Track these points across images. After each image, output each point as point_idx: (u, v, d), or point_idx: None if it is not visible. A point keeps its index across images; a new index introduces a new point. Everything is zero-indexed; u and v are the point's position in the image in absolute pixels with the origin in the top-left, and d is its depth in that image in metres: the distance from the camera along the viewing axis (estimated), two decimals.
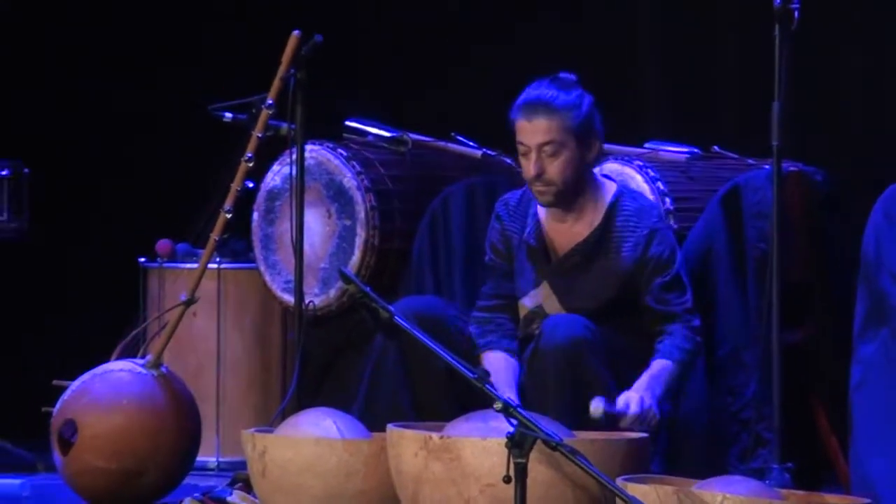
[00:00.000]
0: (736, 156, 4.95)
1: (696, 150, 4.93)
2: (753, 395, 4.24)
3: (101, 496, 4.01)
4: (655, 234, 4.11)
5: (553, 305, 4.17)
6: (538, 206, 4.22)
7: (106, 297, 6.10)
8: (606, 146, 4.45)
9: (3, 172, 5.72)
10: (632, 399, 3.81)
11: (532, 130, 4.04)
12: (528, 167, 4.05)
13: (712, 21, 5.47)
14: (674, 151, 4.91)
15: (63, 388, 4.21)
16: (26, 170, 5.72)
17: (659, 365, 3.99)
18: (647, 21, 5.64)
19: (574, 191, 4.10)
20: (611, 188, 4.22)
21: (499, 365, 4.09)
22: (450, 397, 4.03)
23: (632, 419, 3.76)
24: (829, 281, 4.45)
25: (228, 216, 4.45)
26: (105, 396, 4.08)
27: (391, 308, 3.48)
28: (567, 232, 4.19)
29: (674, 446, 4.28)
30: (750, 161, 4.85)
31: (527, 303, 4.24)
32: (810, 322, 4.40)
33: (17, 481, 4.29)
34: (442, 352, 3.33)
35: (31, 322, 6.24)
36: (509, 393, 3.81)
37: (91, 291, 6.36)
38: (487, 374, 3.29)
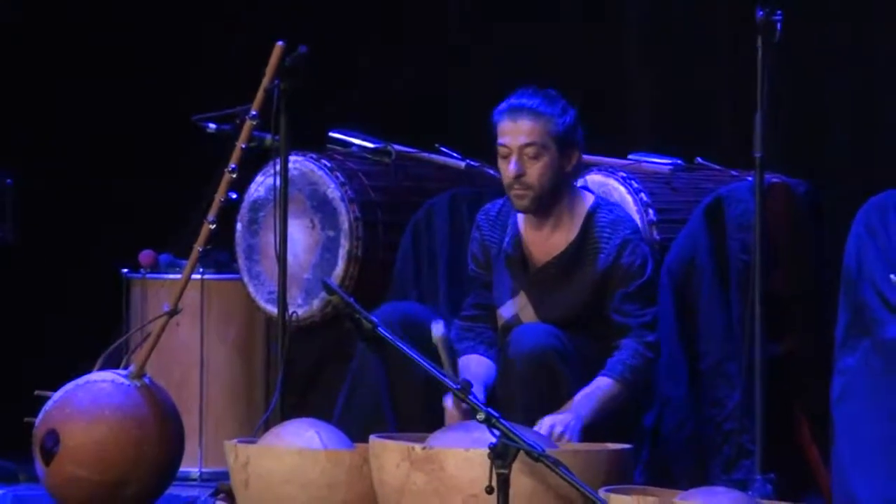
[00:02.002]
0: (719, 167, 4.96)
1: (679, 162, 4.93)
2: (736, 407, 4.24)
3: None
4: (627, 245, 4.12)
5: (529, 315, 4.18)
6: (517, 217, 4.23)
7: (89, 308, 6.09)
8: (590, 157, 4.46)
9: None
10: (544, 424, 3.81)
11: (515, 131, 4.06)
12: (508, 169, 4.07)
13: (696, 33, 5.48)
14: (657, 163, 4.92)
15: (45, 399, 4.19)
16: (9, 181, 5.71)
17: (597, 383, 3.98)
18: (632, 33, 5.65)
19: (550, 198, 4.11)
20: (588, 199, 4.24)
21: (473, 367, 4.10)
22: (431, 408, 4.03)
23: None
24: (812, 292, 4.45)
25: (212, 227, 4.44)
26: (87, 407, 4.06)
27: (374, 318, 3.48)
28: (545, 242, 4.21)
29: (657, 457, 4.29)
30: (733, 172, 4.87)
31: (504, 312, 4.25)
32: (793, 333, 4.40)
33: None
34: (424, 362, 3.33)
35: (12, 332, 6.22)
36: (480, 392, 3.82)
37: (74, 302, 6.34)
38: (469, 384, 3.30)
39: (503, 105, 4.12)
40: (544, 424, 3.80)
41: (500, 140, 4.10)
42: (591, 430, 3.83)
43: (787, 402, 4.34)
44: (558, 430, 3.79)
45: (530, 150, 4.05)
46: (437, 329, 3.89)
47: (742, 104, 4.17)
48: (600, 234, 4.14)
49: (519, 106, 4.09)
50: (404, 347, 3.39)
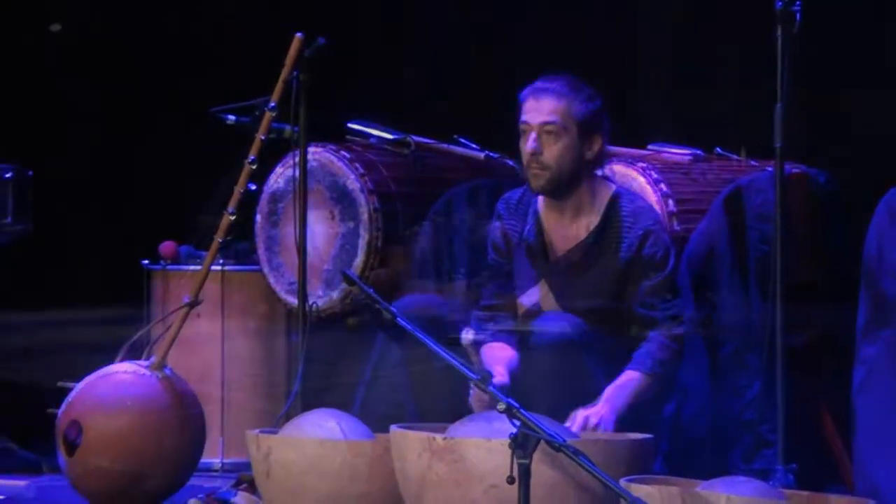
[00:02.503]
0: (738, 157, 4.95)
1: (698, 152, 4.93)
2: (756, 397, 4.24)
3: (106, 498, 4.02)
4: (650, 236, 4.11)
5: (550, 304, 4.18)
6: (538, 205, 4.23)
7: (110, 299, 6.11)
8: (610, 148, 4.45)
9: (7, 175, 5.73)
10: (578, 417, 3.81)
11: (537, 109, 4.06)
12: (526, 146, 4.07)
13: (715, 22, 5.47)
14: (676, 153, 4.91)
15: (68, 390, 4.21)
16: (30, 172, 5.73)
17: (627, 376, 3.98)
18: (650, 23, 5.64)
19: (569, 182, 4.11)
20: (609, 189, 4.23)
21: (497, 352, 4.10)
22: (452, 398, 4.04)
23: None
24: (833, 282, 4.44)
25: (232, 218, 4.46)
26: (110, 398, 4.08)
27: (393, 309, 3.48)
28: (566, 231, 4.20)
29: (677, 447, 4.29)
30: (753, 163, 4.86)
31: (525, 301, 4.26)
32: (814, 323, 4.39)
33: (22, 482, 4.30)
34: (443, 352, 3.33)
35: (35, 324, 6.24)
36: (503, 377, 3.84)
37: (95, 293, 6.36)
38: (490, 375, 3.30)
39: (529, 86, 4.14)
40: (578, 417, 3.81)
41: (522, 117, 4.10)
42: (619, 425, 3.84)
43: (808, 391, 4.33)
44: (593, 421, 3.80)
45: (550, 129, 4.05)
46: (468, 335, 3.88)
47: (762, 94, 4.16)
48: (622, 223, 4.14)
49: (545, 85, 4.10)
50: (424, 338, 3.39)
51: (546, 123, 4.05)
